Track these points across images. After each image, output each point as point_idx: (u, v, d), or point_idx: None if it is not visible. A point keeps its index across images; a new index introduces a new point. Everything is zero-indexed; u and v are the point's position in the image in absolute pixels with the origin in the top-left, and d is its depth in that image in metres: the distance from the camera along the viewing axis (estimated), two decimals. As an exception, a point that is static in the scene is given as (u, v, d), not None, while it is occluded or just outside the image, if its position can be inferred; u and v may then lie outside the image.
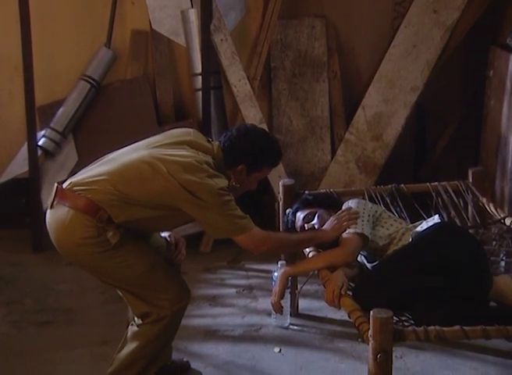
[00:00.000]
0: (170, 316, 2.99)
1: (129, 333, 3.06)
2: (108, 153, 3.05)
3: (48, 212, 2.96)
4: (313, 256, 3.26)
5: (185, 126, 3.29)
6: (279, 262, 3.64)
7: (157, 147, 2.94)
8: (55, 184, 2.94)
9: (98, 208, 2.81)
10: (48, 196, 4.53)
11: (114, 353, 3.12)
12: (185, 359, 3.37)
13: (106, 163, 2.95)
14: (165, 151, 2.89)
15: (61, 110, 4.65)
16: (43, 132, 4.64)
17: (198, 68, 4.61)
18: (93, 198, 2.82)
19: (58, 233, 2.89)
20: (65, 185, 2.91)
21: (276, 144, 3.10)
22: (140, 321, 3.02)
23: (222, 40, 4.60)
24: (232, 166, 2.98)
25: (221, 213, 2.83)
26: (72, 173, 4.56)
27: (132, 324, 3.06)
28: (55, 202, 2.91)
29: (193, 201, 2.79)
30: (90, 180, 2.87)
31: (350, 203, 3.33)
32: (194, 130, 3.11)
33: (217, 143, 3.04)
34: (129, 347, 3.04)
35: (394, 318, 2.59)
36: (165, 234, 3.17)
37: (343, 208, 3.32)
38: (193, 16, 4.57)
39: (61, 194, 2.89)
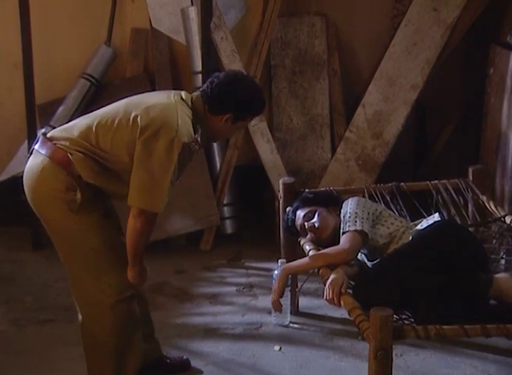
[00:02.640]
0: (111, 307, 2.90)
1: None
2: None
3: (28, 159, 2.93)
4: (313, 254, 3.26)
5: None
6: (279, 261, 3.64)
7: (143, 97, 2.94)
8: (39, 134, 2.94)
9: (70, 163, 2.80)
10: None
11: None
12: (185, 357, 3.37)
13: (86, 117, 2.93)
14: (142, 98, 2.89)
15: (61, 108, 4.64)
16: (43, 130, 4.63)
17: (198, 66, 4.61)
18: (67, 151, 2.80)
19: (31, 180, 2.87)
20: (47, 136, 2.91)
21: (262, 92, 3.02)
22: (81, 318, 2.97)
23: (222, 38, 4.60)
24: (220, 113, 2.90)
25: (148, 174, 2.73)
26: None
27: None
28: (34, 150, 2.91)
29: (139, 152, 2.73)
30: (68, 132, 2.87)
31: (350, 201, 3.32)
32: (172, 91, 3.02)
33: (196, 93, 2.95)
34: (85, 354, 3.02)
35: (394, 316, 2.59)
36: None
37: (343, 206, 3.32)
38: (193, 13, 4.57)
39: (40, 143, 2.88)
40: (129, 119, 2.79)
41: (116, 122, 2.81)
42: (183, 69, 4.86)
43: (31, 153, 2.94)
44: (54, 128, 4.58)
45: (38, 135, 2.95)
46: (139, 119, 2.78)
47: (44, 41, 4.69)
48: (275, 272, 3.55)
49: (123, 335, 2.98)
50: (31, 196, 2.89)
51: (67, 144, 2.83)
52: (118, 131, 2.80)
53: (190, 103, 2.91)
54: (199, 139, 2.91)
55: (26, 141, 4.59)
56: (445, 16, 4.70)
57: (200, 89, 2.97)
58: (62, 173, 2.80)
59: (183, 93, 2.96)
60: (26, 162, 2.93)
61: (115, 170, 2.84)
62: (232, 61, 4.63)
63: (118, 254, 2.89)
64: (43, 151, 2.85)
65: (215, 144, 4.73)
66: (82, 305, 2.99)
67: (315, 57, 4.87)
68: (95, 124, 2.83)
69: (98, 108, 2.98)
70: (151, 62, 4.84)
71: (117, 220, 3.02)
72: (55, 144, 2.84)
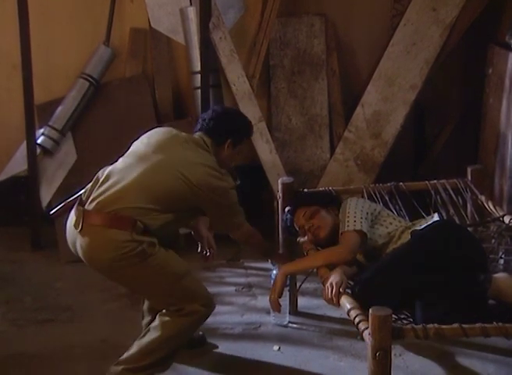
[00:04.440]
0: (201, 314, 3.10)
1: (156, 322, 3.09)
2: (115, 153, 3.24)
3: (77, 234, 3.01)
4: (312, 254, 3.27)
5: (184, 125, 3.39)
6: (277, 252, 3.63)
7: (172, 149, 3.12)
8: (79, 207, 3.02)
9: (134, 222, 2.94)
10: (47, 194, 4.63)
11: (113, 351, 3.12)
12: (201, 333, 3.49)
13: (127, 171, 3.05)
14: (185, 158, 3.09)
15: (60, 108, 4.64)
16: (42, 130, 4.64)
17: (197, 66, 4.61)
18: (125, 214, 2.94)
19: (96, 253, 2.98)
20: (91, 206, 2.99)
21: (247, 118, 3.43)
22: (174, 310, 3.07)
23: (220, 38, 4.60)
24: (222, 143, 3.24)
25: (229, 211, 3.19)
26: (72, 171, 4.63)
27: (162, 313, 3.09)
28: (84, 225, 2.98)
29: (212, 200, 3.09)
30: (117, 196, 2.98)
31: (349, 201, 3.33)
32: (172, 128, 3.31)
33: (199, 133, 3.27)
34: (153, 335, 3.07)
35: (393, 316, 2.59)
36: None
37: (342, 206, 3.33)
38: (192, 13, 4.57)
39: (90, 217, 2.97)
40: (179, 177, 3.02)
41: (164, 180, 3.03)
42: (181, 69, 4.86)
43: (80, 229, 2.99)
44: (53, 128, 4.63)
45: (78, 210, 3.02)
46: (193, 180, 3.03)
47: (43, 42, 4.68)
48: (274, 271, 3.55)
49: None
50: (100, 267, 3.03)
51: (127, 211, 2.95)
52: (172, 190, 3.03)
53: (205, 145, 3.20)
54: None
55: (25, 142, 4.58)
56: (444, 15, 4.70)
57: (199, 128, 3.28)
58: (128, 235, 2.94)
59: (196, 139, 3.23)
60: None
61: (175, 214, 3.07)
62: (230, 61, 4.62)
63: (193, 276, 3.19)
64: (98, 223, 2.95)
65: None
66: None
67: (314, 57, 4.87)
68: (140, 185, 3.01)
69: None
70: (150, 62, 4.83)
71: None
72: (104, 211, 2.96)
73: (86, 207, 3.01)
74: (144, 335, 3.10)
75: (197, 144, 3.18)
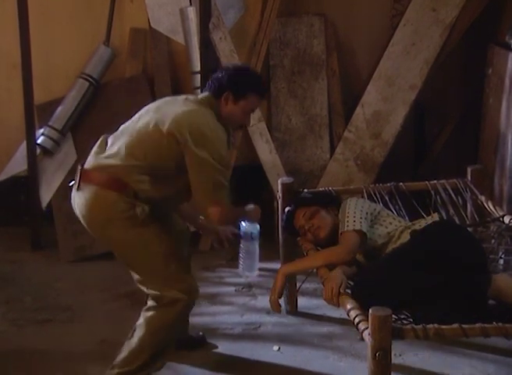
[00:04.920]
0: (183, 303, 3.04)
1: (141, 320, 3.07)
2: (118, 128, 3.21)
3: (75, 194, 3.08)
4: (312, 254, 3.27)
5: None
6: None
7: (166, 108, 3.09)
8: (78, 167, 3.09)
9: (125, 184, 2.97)
10: (46, 194, 4.63)
11: (113, 351, 3.12)
12: (201, 333, 3.49)
13: (121, 137, 3.09)
14: (174, 110, 3.04)
15: (60, 108, 4.64)
16: (42, 130, 4.64)
17: (197, 66, 4.61)
18: (117, 175, 2.97)
19: (90, 211, 3.02)
20: (88, 166, 3.06)
21: (256, 72, 3.27)
22: (153, 303, 3.05)
23: (220, 38, 4.60)
24: (220, 95, 3.10)
25: (212, 176, 2.99)
26: (72, 171, 4.63)
27: (145, 309, 3.08)
28: (81, 184, 3.04)
29: (192, 153, 2.95)
30: (112, 157, 3.02)
31: (349, 201, 3.33)
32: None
33: (204, 93, 3.19)
34: (139, 333, 3.05)
35: (393, 316, 2.59)
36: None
37: (342, 206, 3.32)
38: (192, 14, 4.57)
39: (86, 175, 3.04)
40: (163, 132, 2.97)
41: (151, 138, 3.00)
42: (181, 69, 4.86)
43: (78, 188, 3.05)
44: (53, 128, 4.63)
45: (78, 169, 3.09)
46: (176, 133, 2.95)
47: (43, 41, 4.68)
48: (243, 224, 3.36)
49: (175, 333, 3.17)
50: (92, 226, 3.06)
51: (117, 169, 2.98)
52: (157, 146, 2.99)
53: (204, 102, 3.11)
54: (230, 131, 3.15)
55: (25, 142, 4.58)
56: (443, 16, 4.70)
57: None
58: (119, 196, 2.96)
59: (196, 97, 3.18)
60: (71, 198, 3.10)
61: (165, 177, 3.03)
62: (230, 61, 4.61)
63: (181, 258, 3.15)
64: (93, 182, 3.00)
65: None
66: (153, 297, 3.07)
67: (314, 57, 4.87)
68: (132, 144, 3.02)
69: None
70: (150, 62, 4.83)
71: (180, 234, 3.28)
72: (100, 170, 3.01)
73: (84, 167, 3.07)
74: (131, 335, 3.08)
75: (195, 101, 3.13)
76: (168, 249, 3.05)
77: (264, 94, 3.28)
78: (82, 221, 3.08)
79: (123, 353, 3.07)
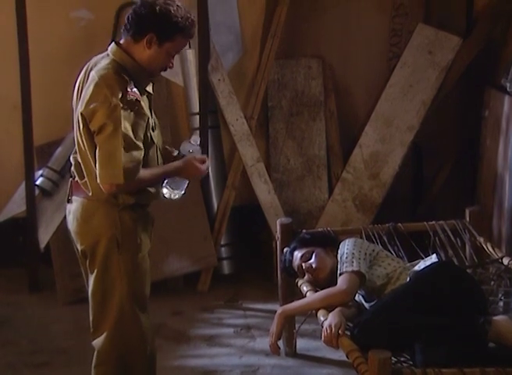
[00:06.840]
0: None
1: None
2: None
3: (67, 206, 2.98)
4: (310, 296, 3.25)
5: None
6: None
7: None
8: (70, 179, 2.99)
9: (86, 188, 2.86)
10: (45, 235, 4.62)
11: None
12: None
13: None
14: None
15: (59, 150, 4.65)
16: (41, 171, 4.64)
17: (196, 107, 4.64)
18: (82, 179, 2.89)
19: (77, 223, 2.88)
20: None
21: (186, 9, 2.80)
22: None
23: (219, 79, 4.64)
24: (141, 37, 2.76)
25: (104, 142, 2.89)
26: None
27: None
28: (71, 196, 2.94)
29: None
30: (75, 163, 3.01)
31: (347, 242, 3.32)
32: None
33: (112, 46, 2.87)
34: None
35: (393, 358, 2.57)
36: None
37: (340, 247, 3.32)
38: (191, 56, 4.61)
39: (71, 188, 2.96)
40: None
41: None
42: (180, 111, 4.88)
43: (68, 201, 2.99)
44: (52, 169, 4.63)
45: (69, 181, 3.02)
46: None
47: (43, 83, 4.71)
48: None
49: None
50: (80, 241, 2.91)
51: (81, 172, 2.94)
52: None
53: (108, 55, 2.87)
54: (133, 87, 2.86)
55: (24, 183, 4.59)
56: (440, 58, 4.75)
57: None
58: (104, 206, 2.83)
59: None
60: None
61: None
62: (229, 102, 4.66)
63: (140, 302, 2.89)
64: (73, 193, 2.94)
65: (212, 185, 4.74)
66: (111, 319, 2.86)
67: (312, 98, 4.91)
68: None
69: None
70: (149, 103, 4.85)
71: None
72: (75, 180, 2.95)
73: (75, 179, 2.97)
74: None
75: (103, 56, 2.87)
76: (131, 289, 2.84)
77: (193, 35, 2.86)
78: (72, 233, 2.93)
79: None
